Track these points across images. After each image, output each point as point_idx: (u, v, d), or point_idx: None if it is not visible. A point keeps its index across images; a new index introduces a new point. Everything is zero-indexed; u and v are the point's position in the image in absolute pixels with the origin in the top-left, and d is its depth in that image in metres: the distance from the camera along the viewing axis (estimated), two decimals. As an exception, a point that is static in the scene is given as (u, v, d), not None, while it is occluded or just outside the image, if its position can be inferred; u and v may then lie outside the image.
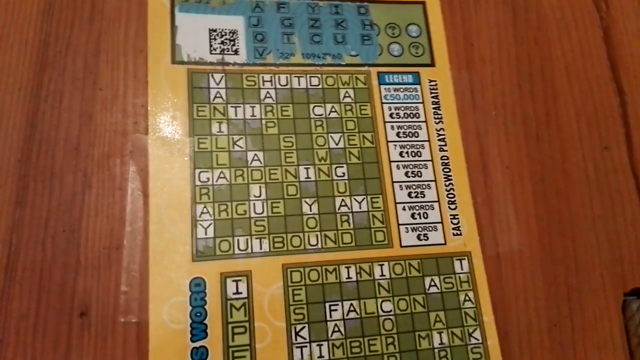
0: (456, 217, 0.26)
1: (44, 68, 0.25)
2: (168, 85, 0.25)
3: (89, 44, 0.26)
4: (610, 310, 0.26)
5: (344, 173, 0.25)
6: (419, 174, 0.26)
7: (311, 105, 0.26)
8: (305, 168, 0.25)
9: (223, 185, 0.24)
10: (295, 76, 0.26)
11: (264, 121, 0.25)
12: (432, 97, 0.27)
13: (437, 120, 0.27)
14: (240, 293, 0.23)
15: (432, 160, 0.26)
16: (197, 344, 0.22)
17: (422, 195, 0.26)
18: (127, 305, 0.22)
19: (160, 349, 0.21)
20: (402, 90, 0.27)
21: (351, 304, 0.24)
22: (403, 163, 0.26)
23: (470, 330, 0.24)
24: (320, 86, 0.26)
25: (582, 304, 0.26)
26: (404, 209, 0.25)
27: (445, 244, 0.25)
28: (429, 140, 0.27)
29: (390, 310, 0.24)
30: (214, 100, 0.25)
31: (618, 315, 0.26)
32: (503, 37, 0.30)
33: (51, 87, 0.25)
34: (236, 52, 0.26)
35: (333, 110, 0.26)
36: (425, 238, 0.25)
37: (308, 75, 0.26)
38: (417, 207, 0.26)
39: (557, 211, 0.27)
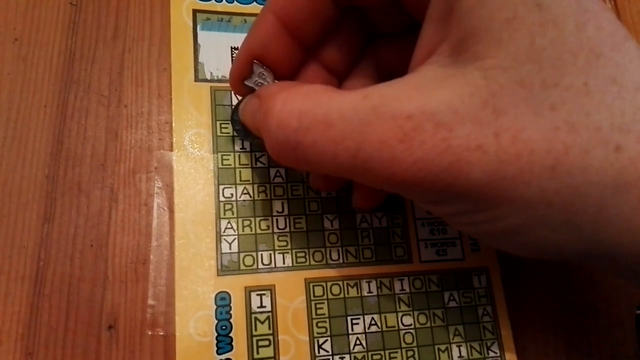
0: (473, 232, 0.27)
1: (69, 85, 0.26)
2: (191, 102, 0.26)
3: (113, 61, 0.27)
4: (625, 325, 0.28)
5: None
6: (437, 190, 0.27)
7: (331, 123, 0.27)
8: (326, 184, 0.26)
9: (246, 201, 0.25)
10: (315, 94, 0.28)
11: (285, 138, 0.27)
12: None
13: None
14: (265, 307, 0.24)
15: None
16: (223, 357, 0.23)
17: (440, 211, 0.27)
18: (154, 318, 0.23)
19: (188, 362, 0.23)
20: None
21: (372, 318, 0.25)
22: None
23: (489, 344, 0.26)
24: (340, 104, 0.28)
25: (597, 319, 0.27)
26: (422, 225, 0.27)
27: (463, 259, 0.27)
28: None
29: (411, 324, 0.25)
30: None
31: (632, 330, 0.28)
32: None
33: (77, 104, 0.26)
34: (257, 70, 0.28)
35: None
36: (444, 253, 0.27)
37: (328, 93, 0.28)
38: (435, 224, 0.27)
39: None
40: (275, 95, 0.20)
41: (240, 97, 0.25)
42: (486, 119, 0.16)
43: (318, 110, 0.18)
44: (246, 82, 0.23)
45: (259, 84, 0.23)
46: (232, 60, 0.28)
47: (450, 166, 0.16)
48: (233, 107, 0.26)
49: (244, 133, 0.25)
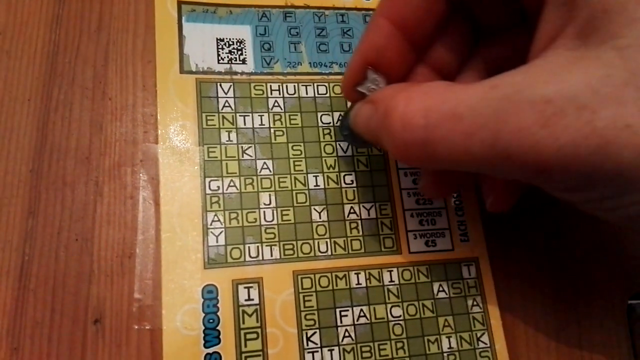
0: (463, 223, 0.27)
1: (53, 78, 0.26)
2: (177, 94, 0.26)
3: (98, 54, 0.27)
4: (616, 315, 0.28)
5: (352, 181, 0.27)
6: (426, 181, 0.28)
7: (319, 114, 0.28)
8: (314, 176, 0.27)
9: (233, 194, 0.25)
10: (302, 85, 0.28)
11: (272, 130, 0.27)
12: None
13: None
14: (252, 299, 0.24)
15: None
16: (211, 350, 0.23)
17: (430, 202, 0.27)
18: (141, 312, 0.23)
19: (174, 355, 0.23)
20: (408, 98, 0.29)
21: (361, 310, 0.25)
22: (411, 171, 0.28)
23: (479, 335, 0.26)
24: (327, 95, 0.28)
25: (589, 308, 0.28)
26: (412, 215, 0.27)
27: (453, 249, 0.27)
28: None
29: (400, 316, 0.25)
30: (222, 109, 0.27)
31: (624, 319, 0.28)
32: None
33: (61, 97, 0.26)
34: (244, 62, 0.28)
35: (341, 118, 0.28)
36: (434, 244, 0.27)
37: (315, 84, 0.28)
38: (424, 214, 0.27)
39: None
40: (395, 97, 0.20)
41: (350, 104, 0.25)
42: (630, 98, 0.15)
43: (445, 106, 0.18)
44: (359, 88, 0.24)
45: (372, 90, 0.23)
46: (217, 51, 0.28)
47: (599, 148, 0.16)
48: (342, 113, 0.27)
49: (352, 138, 0.25)
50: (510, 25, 0.24)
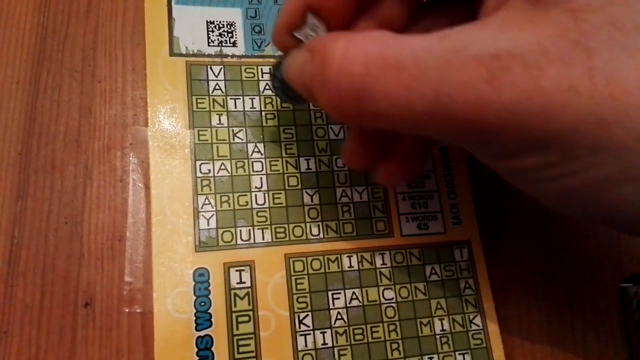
0: (455, 206, 0.28)
1: (41, 61, 0.26)
2: (167, 77, 0.27)
3: (86, 36, 0.27)
4: (609, 297, 0.28)
5: (344, 164, 0.27)
6: (418, 164, 0.28)
7: (310, 97, 0.28)
8: (305, 159, 0.27)
9: (224, 177, 0.26)
10: (293, 68, 0.28)
11: (263, 113, 0.27)
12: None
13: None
14: (244, 282, 0.24)
15: (430, 151, 0.28)
16: (202, 333, 0.23)
17: (422, 185, 0.28)
18: (132, 295, 0.24)
19: (166, 339, 0.23)
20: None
21: (353, 292, 0.25)
22: (402, 153, 0.28)
23: (471, 317, 0.26)
24: (319, 77, 0.28)
25: (581, 291, 0.28)
26: (404, 198, 0.27)
27: (445, 232, 0.27)
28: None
29: (392, 298, 0.26)
30: (213, 92, 0.27)
31: (616, 302, 0.28)
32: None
33: (49, 80, 0.26)
34: (234, 44, 0.28)
35: (332, 101, 0.28)
36: (426, 227, 0.27)
37: (307, 67, 0.28)
38: (416, 197, 0.28)
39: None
40: (335, 41, 0.18)
41: (280, 53, 0.24)
42: (578, 60, 0.15)
43: (388, 54, 0.17)
44: (295, 34, 0.22)
45: (309, 37, 0.22)
46: (207, 34, 0.28)
47: (541, 109, 0.16)
48: (273, 64, 0.25)
49: (282, 91, 0.24)
50: None
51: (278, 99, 0.27)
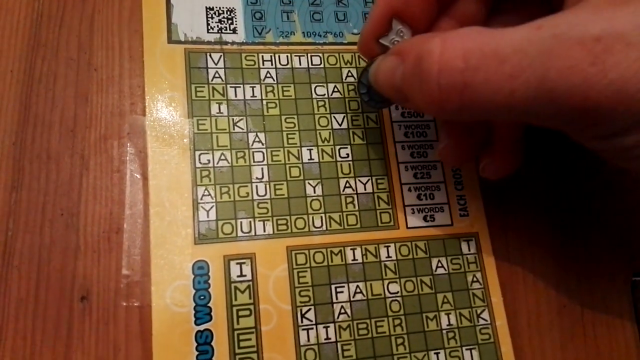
0: (463, 197, 0.27)
1: (36, 49, 0.26)
2: (165, 65, 0.26)
3: (83, 24, 0.27)
4: (620, 291, 0.28)
5: (348, 154, 0.26)
6: (425, 155, 0.27)
7: (313, 85, 0.27)
8: (308, 149, 0.26)
9: (224, 167, 0.25)
10: (296, 55, 0.28)
11: (264, 102, 0.26)
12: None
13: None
14: (245, 276, 0.24)
15: (437, 141, 0.28)
16: (202, 327, 0.23)
17: (428, 176, 0.27)
18: (129, 289, 0.23)
19: (164, 333, 0.23)
20: (405, 69, 0.28)
21: (357, 286, 0.25)
22: (408, 144, 0.27)
23: (479, 311, 0.26)
24: (321, 65, 0.28)
25: (592, 284, 0.27)
26: (409, 190, 0.27)
27: (452, 224, 0.27)
28: (434, 120, 0.28)
29: (397, 292, 0.25)
30: (212, 80, 0.26)
31: (627, 296, 0.28)
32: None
33: (44, 68, 0.26)
34: (234, 31, 0.27)
35: (335, 90, 0.27)
36: (432, 219, 0.27)
37: (309, 55, 0.28)
38: (423, 188, 0.27)
39: (564, 191, 0.29)
40: (429, 42, 0.19)
41: (367, 61, 0.25)
42: None
43: (486, 47, 0.18)
44: (381, 41, 0.23)
45: (395, 42, 0.22)
46: (207, 20, 0.27)
47: None
48: (360, 72, 0.25)
49: (370, 97, 0.24)
50: None
51: (280, 88, 0.27)
